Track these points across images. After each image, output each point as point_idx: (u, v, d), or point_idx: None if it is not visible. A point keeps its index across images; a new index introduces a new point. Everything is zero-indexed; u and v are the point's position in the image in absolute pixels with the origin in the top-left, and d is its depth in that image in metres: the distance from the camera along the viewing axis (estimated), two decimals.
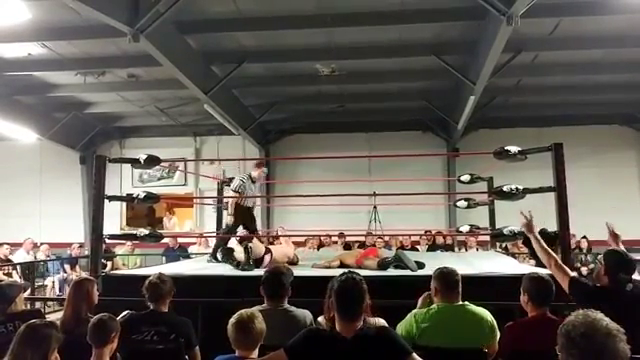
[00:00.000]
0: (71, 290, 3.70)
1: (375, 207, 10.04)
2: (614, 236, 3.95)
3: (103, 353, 2.82)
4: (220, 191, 8.24)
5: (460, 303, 3.18)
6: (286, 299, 3.38)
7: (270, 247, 5.87)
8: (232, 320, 2.66)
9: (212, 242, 10.05)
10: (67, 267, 10.82)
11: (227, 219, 6.73)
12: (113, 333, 2.87)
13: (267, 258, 5.58)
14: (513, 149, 4.86)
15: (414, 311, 3.23)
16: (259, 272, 4.18)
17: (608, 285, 3.24)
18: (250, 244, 5.54)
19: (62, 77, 10.00)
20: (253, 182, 6.62)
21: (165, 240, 9.49)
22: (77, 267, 10.93)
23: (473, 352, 3.06)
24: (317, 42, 8.44)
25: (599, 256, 3.54)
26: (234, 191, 6.48)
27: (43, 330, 2.47)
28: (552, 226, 4.52)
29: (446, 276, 3.23)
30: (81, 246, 11.46)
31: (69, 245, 11.67)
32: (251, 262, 5.40)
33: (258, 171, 6.63)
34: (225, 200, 7.16)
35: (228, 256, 5.73)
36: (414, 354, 2.44)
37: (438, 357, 2.91)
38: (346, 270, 2.85)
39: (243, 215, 6.61)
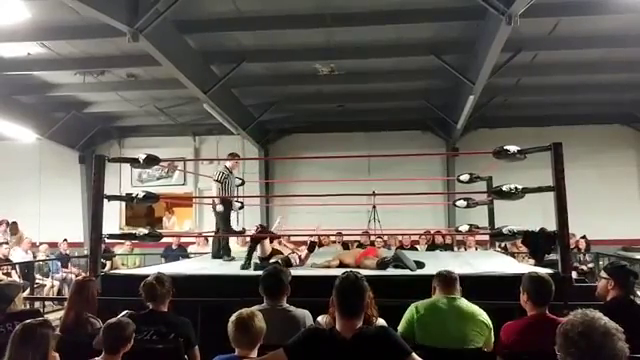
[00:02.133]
0: (72, 290, 3.70)
1: (374, 207, 10.04)
2: None
3: (114, 358, 2.81)
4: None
5: (457, 296, 3.34)
6: (285, 298, 3.38)
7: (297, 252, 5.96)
8: (232, 318, 2.67)
9: (212, 242, 10.10)
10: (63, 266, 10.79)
11: (217, 216, 6.92)
12: (127, 341, 2.86)
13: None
14: (512, 149, 4.87)
15: (415, 304, 3.36)
16: (259, 272, 4.17)
17: (618, 296, 3.23)
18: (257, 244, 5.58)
19: (61, 77, 9.99)
20: (231, 173, 6.92)
21: (165, 240, 9.48)
22: (69, 265, 10.87)
23: (473, 351, 3.07)
24: (316, 42, 8.43)
25: (602, 272, 3.51)
26: (217, 181, 6.76)
27: (40, 330, 2.47)
28: (551, 226, 4.52)
29: (444, 275, 3.47)
30: (65, 241, 11.34)
31: (69, 244, 11.66)
32: (254, 262, 5.42)
33: (232, 161, 7.22)
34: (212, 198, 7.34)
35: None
36: (414, 354, 2.44)
37: (438, 357, 2.92)
38: (349, 269, 2.86)
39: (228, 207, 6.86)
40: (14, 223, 11.67)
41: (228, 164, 7.22)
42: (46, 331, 2.48)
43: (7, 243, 10.19)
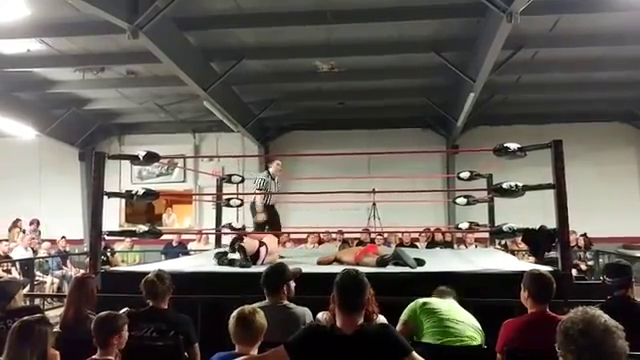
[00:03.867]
0: (72, 287, 3.70)
1: (374, 204, 10.04)
2: None
3: (107, 352, 2.81)
4: (219, 188, 8.24)
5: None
6: (285, 295, 3.38)
7: (263, 240, 5.85)
8: (234, 315, 2.68)
9: (212, 239, 10.10)
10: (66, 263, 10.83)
11: (255, 217, 6.85)
12: (116, 333, 2.85)
13: (262, 251, 5.57)
14: (512, 146, 4.86)
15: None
16: (259, 269, 4.17)
17: (614, 296, 3.23)
18: (241, 243, 5.51)
19: (61, 73, 9.98)
20: (273, 179, 6.83)
21: (165, 237, 9.50)
22: (68, 262, 10.90)
23: (472, 349, 3.08)
24: (316, 39, 8.42)
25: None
26: (259, 189, 6.64)
27: (38, 327, 2.46)
28: (552, 223, 4.52)
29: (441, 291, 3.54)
30: (63, 238, 11.41)
31: (69, 242, 11.67)
32: (248, 259, 5.39)
33: (274, 166, 6.92)
34: (250, 198, 7.21)
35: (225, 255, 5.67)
36: (414, 352, 2.44)
37: (437, 355, 2.92)
38: (350, 267, 2.86)
39: (269, 214, 6.77)
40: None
41: (272, 170, 6.91)
42: (44, 328, 2.47)
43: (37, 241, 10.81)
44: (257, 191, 6.76)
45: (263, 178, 6.84)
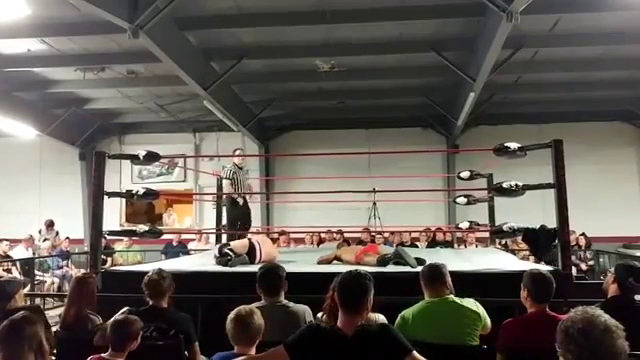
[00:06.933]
0: (72, 287, 3.70)
1: (375, 203, 10.04)
2: None
3: (121, 354, 2.82)
4: (220, 187, 8.25)
5: (445, 296, 3.23)
6: (283, 294, 3.38)
7: (252, 237, 5.83)
8: (231, 316, 2.67)
9: (212, 238, 10.12)
10: (64, 263, 10.82)
11: (226, 215, 6.86)
12: (135, 338, 2.86)
13: (256, 245, 5.57)
14: (513, 146, 4.87)
15: (402, 313, 3.25)
16: (257, 268, 4.17)
17: (617, 295, 3.23)
18: (229, 247, 5.48)
19: (61, 73, 9.97)
20: (240, 169, 6.91)
21: (165, 236, 9.50)
22: (69, 262, 10.90)
23: (472, 349, 3.07)
24: (317, 38, 8.42)
25: (611, 269, 3.50)
26: (227, 178, 6.77)
27: (26, 324, 2.43)
28: (551, 223, 4.52)
29: (428, 271, 3.37)
30: (67, 239, 11.42)
31: (70, 241, 11.67)
32: (244, 257, 5.38)
33: (237, 158, 7.19)
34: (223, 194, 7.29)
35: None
36: (414, 352, 2.43)
37: (437, 355, 2.91)
38: (352, 267, 2.86)
39: (239, 211, 6.80)
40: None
41: (235, 160, 7.23)
42: (32, 325, 2.44)
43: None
44: (225, 181, 7.00)
45: (230, 168, 7.10)
